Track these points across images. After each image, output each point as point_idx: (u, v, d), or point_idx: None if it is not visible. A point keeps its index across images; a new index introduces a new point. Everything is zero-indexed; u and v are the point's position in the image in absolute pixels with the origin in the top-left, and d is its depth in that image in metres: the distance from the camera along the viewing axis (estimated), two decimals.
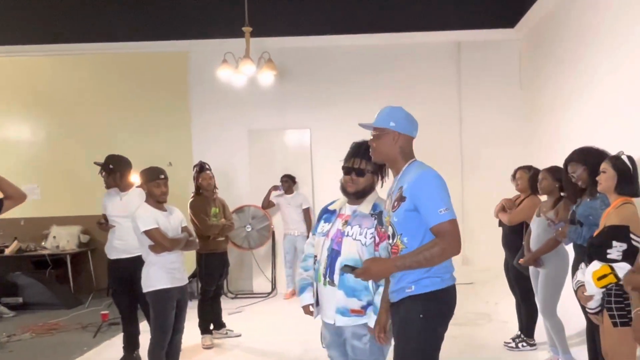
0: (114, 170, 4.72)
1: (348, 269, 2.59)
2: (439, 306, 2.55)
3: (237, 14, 6.55)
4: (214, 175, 5.75)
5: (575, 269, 3.68)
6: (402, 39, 8.10)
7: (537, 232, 4.19)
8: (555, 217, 3.95)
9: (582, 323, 4.13)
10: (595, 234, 2.93)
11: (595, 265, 2.74)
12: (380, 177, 2.94)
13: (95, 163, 4.92)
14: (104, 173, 4.80)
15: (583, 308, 3.52)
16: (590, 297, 2.86)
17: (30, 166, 8.47)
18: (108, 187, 4.84)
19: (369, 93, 7.81)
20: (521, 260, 4.30)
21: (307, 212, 7.84)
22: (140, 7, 6.99)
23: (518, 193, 4.97)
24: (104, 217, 4.88)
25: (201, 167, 5.68)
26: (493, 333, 5.54)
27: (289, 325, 6.27)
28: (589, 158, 3.47)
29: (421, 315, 2.51)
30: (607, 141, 3.72)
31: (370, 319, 2.77)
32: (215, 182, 5.75)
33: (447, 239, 2.44)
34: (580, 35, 5.89)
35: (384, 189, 2.91)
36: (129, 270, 4.54)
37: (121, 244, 4.65)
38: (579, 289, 2.97)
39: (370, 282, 2.76)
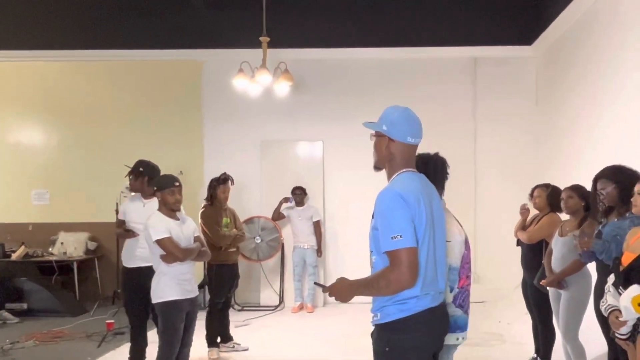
0: (143, 174, 4.63)
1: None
2: (406, 337, 2.28)
3: (252, 25, 6.52)
4: None
5: (597, 291, 3.56)
6: (418, 53, 8.04)
7: (561, 253, 4.06)
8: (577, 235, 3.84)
9: (600, 346, 4.01)
10: (630, 256, 2.80)
11: (636, 289, 2.60)
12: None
13: (125, 165, 4.89)
14: (131, 176, 4.74)
15: (606, 333, 3.40)
16: (624, 323, 2.73)
17: (41, 171, 8.46)
18: (134, 190, 4.79)
19: (383, 107, 7.60)
20: (543, 282, 4.17)
21: (317, 225, 7.75)
22: (155, 15, 6.97)
23: (536, 212, 4.85)
24: (124, 222, 4.73)
25: (225, 179, 5.57)
26: (508, 354, 5.41)
27: (297, 340, 6.17)
28: (621, 177, 3.38)
29: (387, 349, 2.30)
30: (631, 163, 3.60)
31: None
32: None
33: (396, 270, 2.19)
34: (601, 54, 5.80)
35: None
36: (148, 278, 4.41)
37: (143, 252, 4.49)
38: (612, 314, 2.83)
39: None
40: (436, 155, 2.93)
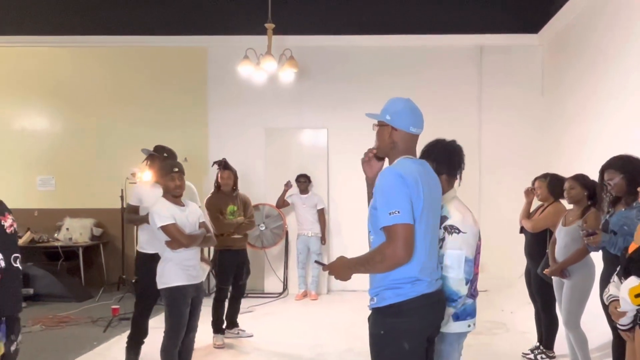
0: (167, 159, 4.47)
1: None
2: (402, 321, 2.32)
3: (257, 11, 6.48)
4: (235, 175, 5.61)
5: (603, 280, 3.57)
6: (424, 41, 8.01)
7: (564, 242, 4.06)
8: (584, 226, 3.83)
9: (604, 336, 4.02)
10: (633, 247, 2.80)
11: (633, 281, 2.59)
12: (454, 177, 2.86)
13: (142, 150, 4.80)
14: (148, 162, 4.67)
15: (610, 322, 3.40)
16: (623, 314, 2.73)
17: (47, 157, 8.49)
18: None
19: (389, 95, 7.47)
20: (547, 271, 4.17)
21: (321, 213, 7.77)
22: (161, 1, 6.92)
23: (540, 202, 4.84)
24: (137, 209, 4.60)
25: (220, 165, 5.55)
26: (510, 343, 5.42)
27: (300, 327, 6.20)
28: (629, 166, 3.37)
29: (382, 332, 2.35)
30: (637, 152, 3.59)
31: (448, 326, 2.70)
32: (234, 181, 5.60)
33: (392, 245, 2.24)
34: (608, 43, 5.76)
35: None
36: None
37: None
38: (611, 304, 2.83)
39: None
40: (456, 143, 2.93)
